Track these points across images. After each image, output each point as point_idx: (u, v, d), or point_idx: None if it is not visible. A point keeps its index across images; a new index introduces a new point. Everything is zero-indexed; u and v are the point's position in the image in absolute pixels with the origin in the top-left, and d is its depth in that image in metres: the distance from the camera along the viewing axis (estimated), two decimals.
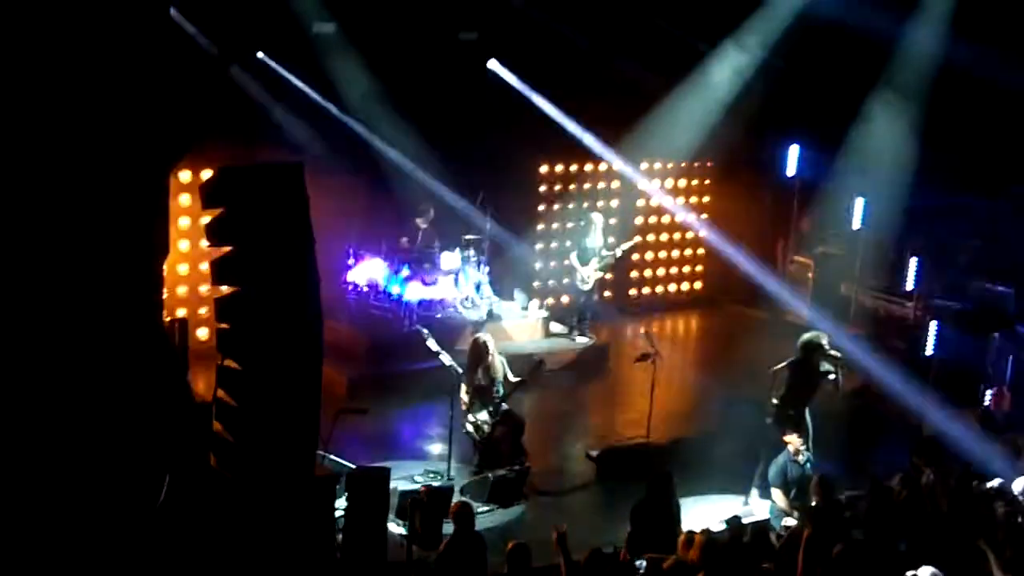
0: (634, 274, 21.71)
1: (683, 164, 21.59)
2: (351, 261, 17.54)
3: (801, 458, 12.76)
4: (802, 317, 19.34)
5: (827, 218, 20.19)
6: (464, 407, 13.85)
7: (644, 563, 10.52)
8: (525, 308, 18.74)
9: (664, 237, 22.12)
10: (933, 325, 17.21)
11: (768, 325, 19.72)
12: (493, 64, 19.16)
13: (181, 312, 16.21)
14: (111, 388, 9.95)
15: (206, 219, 10.42)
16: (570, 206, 20.44)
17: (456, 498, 11.92)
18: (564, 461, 14.89)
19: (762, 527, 12.04)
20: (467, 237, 18.05)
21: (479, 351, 14.00)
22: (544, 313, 18.94)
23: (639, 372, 15.75)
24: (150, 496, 9.71)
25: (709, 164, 21.96)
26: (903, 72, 18.74)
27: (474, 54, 18.80)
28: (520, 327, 18.25)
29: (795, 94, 19.32)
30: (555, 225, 20.50)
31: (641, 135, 19.73)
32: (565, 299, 20.03)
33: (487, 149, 18.45)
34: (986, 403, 15.52)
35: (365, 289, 17.56)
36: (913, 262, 18.79)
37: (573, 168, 20.62)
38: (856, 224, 19.92)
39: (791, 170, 20.72)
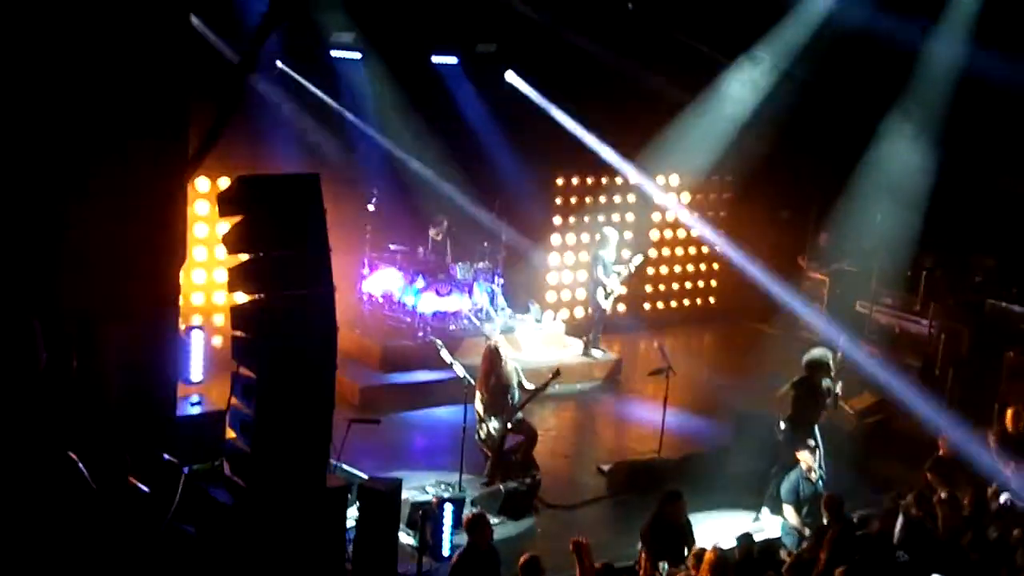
0: (649, 288, 21.68)
1: (701, 178, 21.56)
2: (366, 271, 17.57)
3: (814, 476, 12.74)
4: (817, 333, 19.31)
5: (843, 234, 20.13)
6: (478, 415, 13.83)
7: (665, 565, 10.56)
8: (539, 320, 18.74)
9: (680, 251, 22.09)
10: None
11: (782, 341, 19.69)
12: (511, 76, 19.16)
13: (197, 320, 16.27)
14: (127, 393, 10.00)
15: (223, 227, 10.46)
16: (585, 219, 20.44)
17: (467, 510, 11.93)
18: (575, 474, 14.87)
19: (772, 545, 12.05)
20: (483, 245, 18.06)
21: (492, 357, 13.98)
22: (559, 326, 18.94)
23: (652, 386, 15.74)
24: (161, 502, 9.72)
25: (727, 179, 21.93)
26: (924, 84, 18.69)
27: (492, 65, 18.81)
28: (534, 339, 18.24)
29: (814, 108, 19.29)
30: (570, 237, 20.48)
31: (659, 149, 19.73)
32: (580, 312, 20.01)
33: (503, 160, 18.48)
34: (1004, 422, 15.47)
35: (380, 299, 17.58)
36: (928, 279, 18.77)
37: (589, 181, 20.61)
38: (872, 241, 19.90)
39: (807, 186, 20.69)
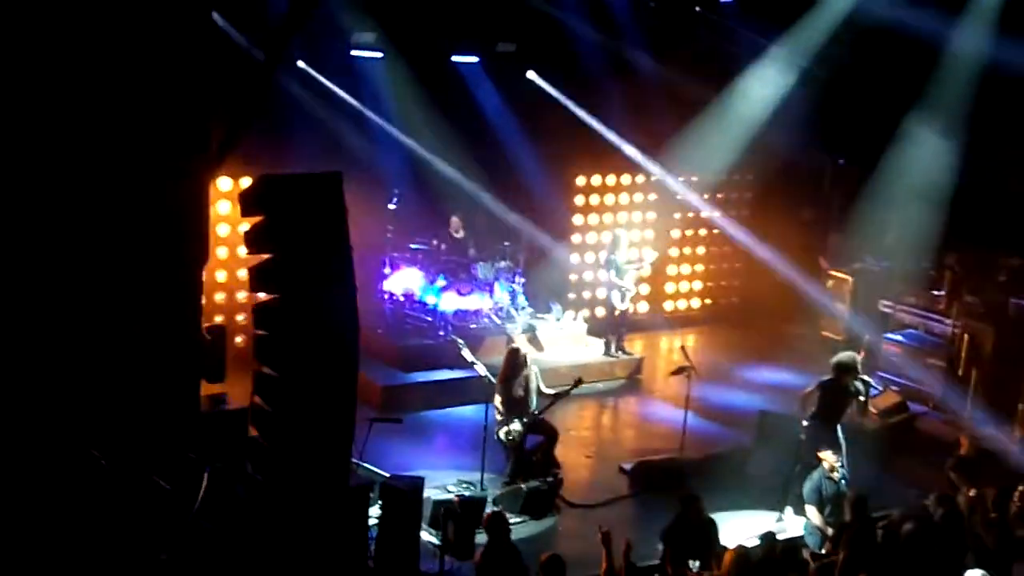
0: (671, 287, 21.64)
1: (722, 177, 21.51)
2: (387, 270, 17.58)
3: (836, 475, 12.69)
4: (839, 333, 19.27)
5: (866, 233, 20.05)
6: (498, 417, 13.84)
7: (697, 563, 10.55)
8: (560, 320, 18.73)
9: (701, 250, 22.04)
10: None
11: (805, 340, 19.64)
12: (532, 75, 19.15)
13: (219, 319, 16.31)
14: (150, 392, 10.02)
15: (245, 226, 10.48)
16: (606, 218, 20.42)
17: (489, 509, 11.93)
18: (597, 474, 14.85)
19: (795, 544, 12.01)
20: (504, 245, 18.07)
21: (516, 361, 13.98)
22: (581, 325, 18.93)
23: (674, 385, 15.71)
24: (186, 501, 9.75)
25: (748, 178, 21.87)
26: (948, 79, 18.58)
27: (513, 64, 18.80)
28: (555, 339, 18.23)
29: (836, 106, 19.22)
30: (591, 236, 20.46)
31: (679, 148, 19.69)
32: (601, 312, 20.00)
33: (524, 159, 18.48)
34: None
35: (401, 298, 17.60)
36: (952, 278, 18.68)
37: (610, 180, 20.59)
38: (894, 240, 19.83)
39: (829, 184, 20.64)
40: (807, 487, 12.73)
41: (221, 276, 16.95)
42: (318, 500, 10.21)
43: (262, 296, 10.28)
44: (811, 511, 12.62)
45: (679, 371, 14.97)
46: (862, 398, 13.68)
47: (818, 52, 19.12)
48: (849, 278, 20.08)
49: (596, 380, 17.76)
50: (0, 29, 9.52)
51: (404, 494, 11.41)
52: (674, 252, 21.35)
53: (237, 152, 11.47)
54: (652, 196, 20.93)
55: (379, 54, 17.37)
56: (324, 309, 10.10)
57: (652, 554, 11.43)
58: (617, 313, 18.44)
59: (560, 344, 18.21)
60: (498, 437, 13.84)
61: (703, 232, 21.94)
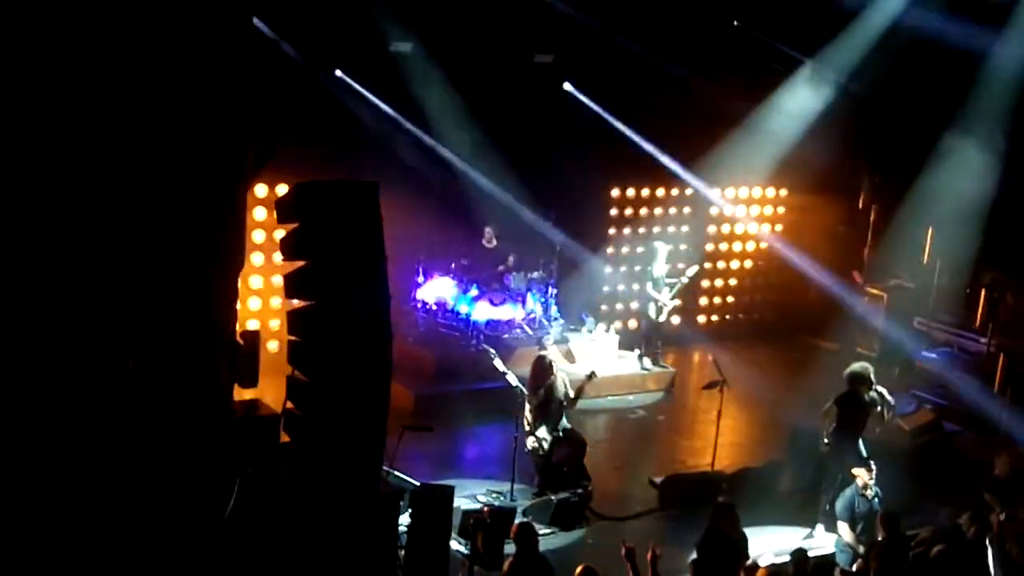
0: (703, 301, 21.60)
1: (757, 191, 21.49)
2: (420, 279, 17.63)
3: (869, 492, 12.59)
4: (873, 350, 19.16)
5: (901, 250, 19.95)
6: (527, 425, 13.84)
7: None
8: (592, 331, 18.71)
9: (735, 264, 21.99)
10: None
11: (838, 357, 19.53)
12: (568, 87, 19.17)
13: (253, 324, 16.39)
14: (185, 398, 10.07)
15: (281, 233, 10.53)
16: (641, 230, 20.40)
17: (519, 520, 11.91)
18: (627, 486, 14.82)
19: (827, 561, 11.94)
20: (538, 255, 18.08)
21: (544, 370, 13.98)
22: (613, 338, 18.90)
23: (706, 400, 15.66)
24: (218, 507, 9.79)
25: (783, 192, 21.83)
26: (987, 94, 18.46)
27: (549, 76, 18.82)
28: (587, 351, 18.21)
29: (874, 122, 19.15)
30: (625, 249, 20.43)
31: (715, 161, 19.66)
32: (633, 324, 19.97)
33: (559, 171, 18.49)
34: None
35: (434, 307, 17.64)
36: (987, 297, 18.57)
37: (645, 192, 20.58)
38: (929, 257, 19.74)
39: (866, 201, 20.56)
40: (840, 504, 12.65)
41: (256, 282, 17.03)
42: (349, 506, 10.24)
43: (296, 302, 10.33)
44: (843, 528, 12.54)
45: (711, 385, 14.92)
46: (879, 408, 13.57)
47: (856, 67, 19.04)
48: (884, 294, 19.99)
49: (628, 392, 17.76)
50: (41, 42, 9.59)
51: (434, 503, 11.41)
52: (708, 266, 21.28)
53: (274, 160, 11.54)
54: (687, 209, 20.90)
55: (416, 63, 17.42)
56: (358, 316, 10.15)
57: (682, 568, 11.39)
58: (649, 327, 18.41)
59: (592, 356, 18.17)
60: (526, 448, 13.83)
61: (737, 246, 21.89)
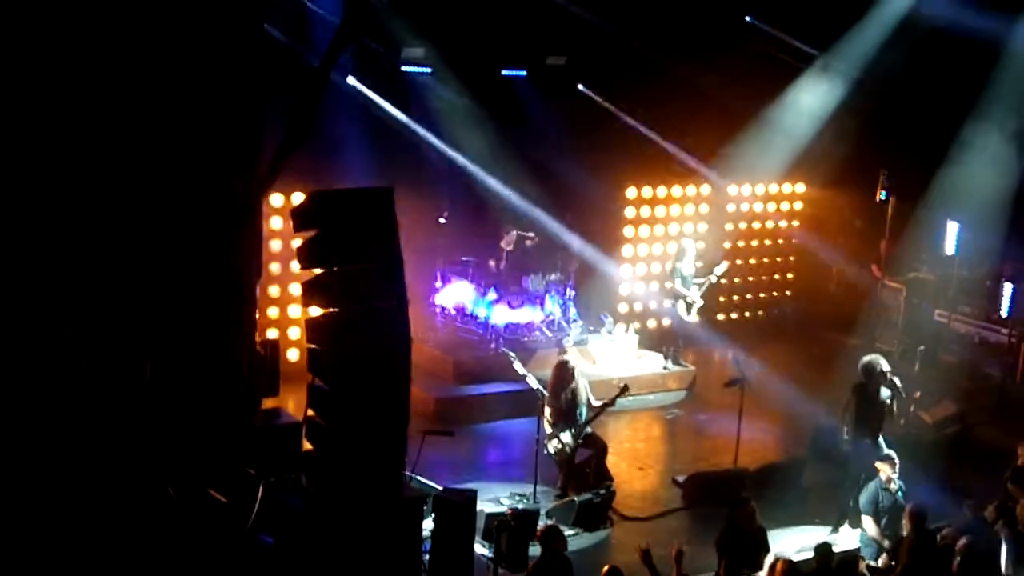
0: (723, 299, 21.56)
1: (773, 187, 21.46)
2: (439, 284, 17.65)
3: (893, 486, 12.57)
4: (894, 343, 19.10)
5: (920, 243, 19.89)
6: (548, 429, 13.85)
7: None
8: (611, 332, 18.70)
9: (753, 261, 21.95)
10: None
11: (859, 351, 19.45)
12: (582, 88, 19.17)
13: (272, 333, 16.43)
14: (205, 407, 10.10)
15: (298, 242, 10.57)
16: (657, 230, 20.38)
17: (542, 521, 11.92)
18: (650, 486, 14.81)
19: (851, 556, 11.90)
20: (555, 257, 18.08)
21: (565, 374, 13.99)
22: (632, 338, 18.89)
23: (728, 397, 15.63)
24: (242, 512, 9.82)
25: (800, 187, 21.79)
26: (1007, 84, 18.37)
27: (563, 78, 18.83)
28: (607, 352, 18.21)
29: (890, 114, 19.09)
30: (642, 249, 20.42)
31: (731, 158, 19.64)
32: (652, 324, 19.94)
33: (574, 172, 18.49)
34: None
35: (452, 312, 17.65)
36: (1008, 288, 18.49)
37: (661, 192, 20.56)
38: (950, 249, 19.66)
39: (883, 194, 20.47)
40: (864, 498, 12.63)
41: (274, 291, 17.06)
42: (372, 513, 10.27)
43: (315, 311, 10.36)
44: (867, 522, 12.51)
45: (732, 383, 14.90)
46: (892, 401, 13.52)
47: (871, 59, 18.98)
48: (903, 287, 19.93)
49: (649, 392, 17.75)
50: (54, 49, 9.64)
51: (457, 507, 11.43)
52: (726, 263, 21.19)
53: (289, 168, 11.55)
54: (703, 207, 20.89)
55: (428, 69, 17.45)
56: (377, 323, 10.18)
57: (707, 566, 11.38)
58: (679, 325, 18.38)
59: (612, 357, 18.17)
60: (547, 451, 13.84)
61: (755, 243, 21.85)
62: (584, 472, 13.79)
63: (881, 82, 19.02)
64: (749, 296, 21.99)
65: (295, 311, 16.94)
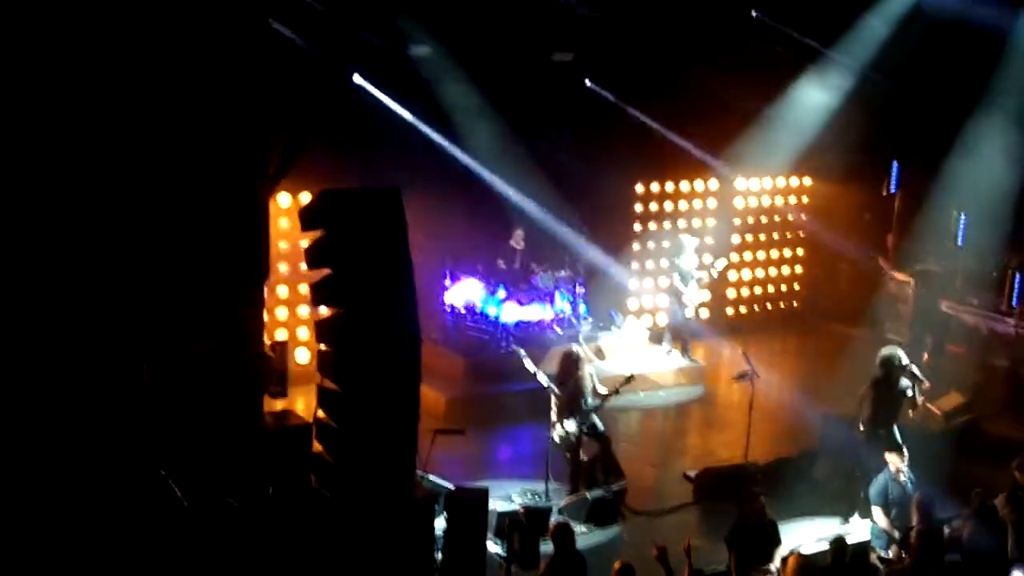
0: (731, 293, 21.57)
1: (781, 181, 21.45)
2: (448, 282, 17.66)
3: (902, 477, 12.59)
4: (902, 335, 19.11)
5: (927, 235, 19.88)
6: (553, 417, 13.86)
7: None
8: (620, 328, 18.71)
9: (761, 255, 21.94)
10: None
11: (868, 343, 19.46)
12: (589, 84, 19.15)
13: (281, 334, 16.46)
14: (214, 409, 10.14)
15: (306, 242, 10.59)
16: (665, 225, 20.39)
17: (554, 518, 11.94)
18: (662, 482, 14.84)
19: (863, 548, 11.94)
20: (565, 254, 18.10)
21: (571, 363, 14.00)
22: (643, 333, 18.91)
23: (737, 392, 15.65)
24: (250, 514, 9.85)
25: (807, 181, 21.79)
26: (1013, 74, 18.35)
27: (570, 74, 18.81)
28: (617, 347, 18.23)
29: (896, 108, 19.08)
30: (651, 245, 20.43)
31: (739, 152, 19.64)
32: (662, 319, 19.96)
33: (583, 169, 18.49)
34: None
35: (462, 310, 17.65)
36: (1016, 278, 18.49)
37: (669, 188, 20.56)
38: (957, 241, 19.67)
39: (891, 187, 20.48)
40: (874, 489, 12.65)
41: (283, 292, 17.08)
42: (384, 513, 10.29)
43: (324, 311, 10.38)
44: (878, 513, 12.53)
45: (742, 377, 14.91)
46: (910, 393, 13.54)
47: (877, 53, 18.96)
48: (911, 279, 19.94)
49: (659, 387, 17.77)
50: (57, 49, 9.68)
51: (469, 505, 11.46)
52: (734, 258, 21.22)
53: (296, 168, 11.59)
54: (712, 202, 20.89)
55: (435, 67, 17.41)
56: (386, 323, 10.20)
57: (719, 560, 11.41)
58: (677, 321, 18.40)
59: (621, 352, 18.19)
60: (552, 442, 13.85)
61: (763, 237, 21.85)
62: (594, 469, 13.80)
63: (887, 75, 18.98)
64: (758, 290, 21.98)
65: (304, 312, 16.96)
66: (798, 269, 22.23)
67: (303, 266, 10.66)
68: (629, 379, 14.31)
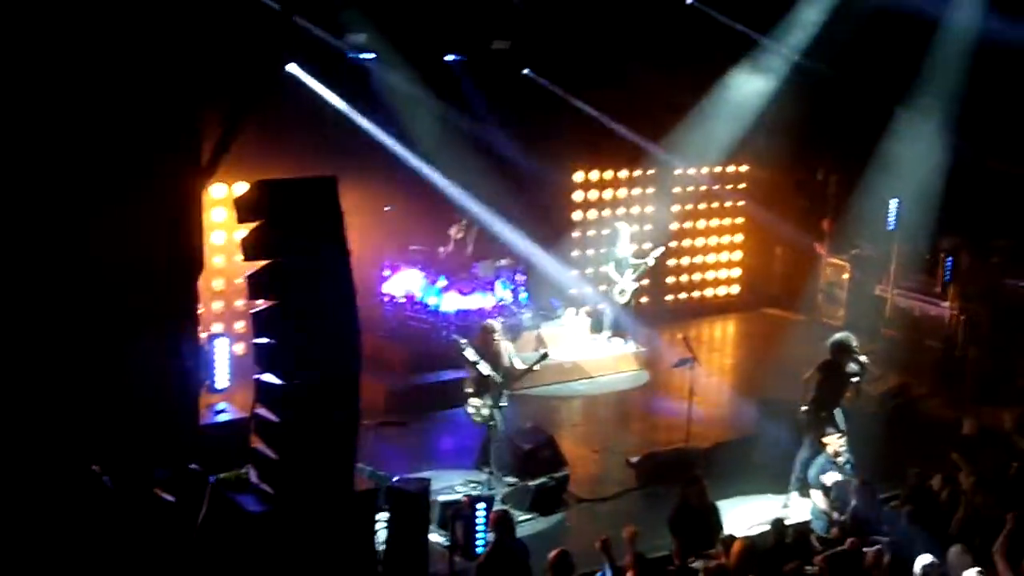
0: (670, 279, 21.65)
1: (718, 168, 21.54)
2: (387, 272, 17.58)
3: (841, 460, 12.73)
4: (838, 319, 19.31)
5: (862, 219, 20.08)
6: (468, 390, 13.85)
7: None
8: (562, 316, 18.74)
9: (700, 242, 22.04)
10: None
11: (805, 328, 19.65)
12: (527, 72, 19.10)
13: (217, 327, 16.28)
14: (149, 404, 10.03)
15: (241, 233, 10.48)
16: (604, 212, 20.42)
17: (497, 507, 11.94)
18: (604, 468, 14.87)
19: (804, 528, 12.05)
20: (504, 243, 18.07)
21: (487, 337, 14.02)
22: (584, 321, 18.94)
23: (677, 377, 15.72)
24: (187, 512, 9.76)
25: (744, 168, 21.91)
26: (942, 61, 18.56)
27: (508, 63, 18.76)
28: (559, 336, 18.25)
29: (829, 95, 19.23)
30: (590, 232, 20.44)
31: (677, 140, 19.70)
32: (601, 307, 19.99)
33: (521, 157, 18.45)
34: None
35: (402, 300, 17.60)
36: (947, 261, 18.76)
37: (608, 175, 20.59)
38: (890, 225, 19.91)
39: (823, 173, 20.71)
40: (812, 472, 12.78)
41: (218, 284, 16.87)
42: (324, 506, 10.22)
43: (261, 303, 10.28)
44: (817, 495, 12.66)
45: (681, 363, 15.00)
46: (857, 379, 13.73)
47: (812, 41, 19.10)
48: (846, 264, 20.15)
49: (600, 374, 17.82)
50: None
51: (412, 497, 11.42)
52: (673, 244, 21.30)
53: (230, 158, 11.46)
54: (650, 189, 20.94)
55: (372, 55, 17.28)
56: (324, 314, 10.10)
57: (661, 545, 11.47)
58: (614, 308, 18.45)
59: (563, 341, 18.22)
60: (466, 410, 13.84)
61: (701, 224, 21.95)
62: (537, 457, 13.79)
63: (821, 61, 19.12)
64: (697, 276, 22.08)
65: (240, 304, 16.78)
66: (736, 256, 22.36)
67: (238, 258, 10.52)
68: (544, 356, 14.48)
